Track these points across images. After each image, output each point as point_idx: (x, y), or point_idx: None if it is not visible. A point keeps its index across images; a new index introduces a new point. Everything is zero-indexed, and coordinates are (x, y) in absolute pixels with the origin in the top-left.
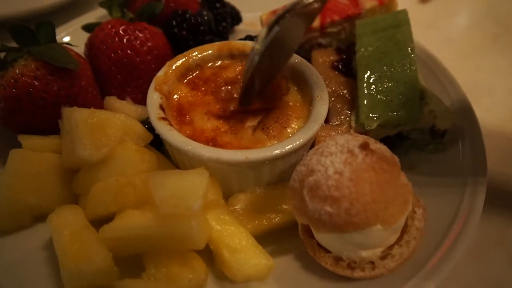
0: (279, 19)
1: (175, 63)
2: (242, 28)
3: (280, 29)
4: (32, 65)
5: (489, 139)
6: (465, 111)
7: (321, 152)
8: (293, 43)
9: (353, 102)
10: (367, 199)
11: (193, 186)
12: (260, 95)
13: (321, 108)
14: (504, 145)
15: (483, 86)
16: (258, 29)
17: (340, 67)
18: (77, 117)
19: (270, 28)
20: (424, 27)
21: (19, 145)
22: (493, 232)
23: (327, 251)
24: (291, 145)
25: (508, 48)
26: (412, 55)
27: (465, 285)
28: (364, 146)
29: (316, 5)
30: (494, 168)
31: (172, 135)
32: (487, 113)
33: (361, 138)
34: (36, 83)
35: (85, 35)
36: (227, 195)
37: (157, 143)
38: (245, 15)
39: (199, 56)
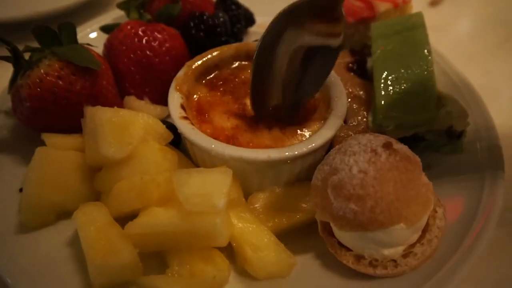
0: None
1: (194, 63)
2: (255, 30)
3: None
4: (56, 65)
5: None
6: (480, 112)
7: (344, 151)
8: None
9: (369, 103)
10: (391, 197)
11: (217, 184)
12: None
13: (340, 109)
14: None
15: (491, 89)
16: None
17: (355, 68)
18: (101, 116)
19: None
20: (434, 30)
21: (39, 144)
22: (509, 231)
23: (348, 249)
24: (313, 145)
25: None
26: (429, 57)
27: (481, 283)
28: (387, 146)
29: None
30: (507, 168)
31: (194, 133)
32: (495, 115)
33: (383, 138)
34: (60, 83)
35: (102, 36)
36: (246, 194)
37: (175, 142)
38: (258, 18)
39: (217, 57)
